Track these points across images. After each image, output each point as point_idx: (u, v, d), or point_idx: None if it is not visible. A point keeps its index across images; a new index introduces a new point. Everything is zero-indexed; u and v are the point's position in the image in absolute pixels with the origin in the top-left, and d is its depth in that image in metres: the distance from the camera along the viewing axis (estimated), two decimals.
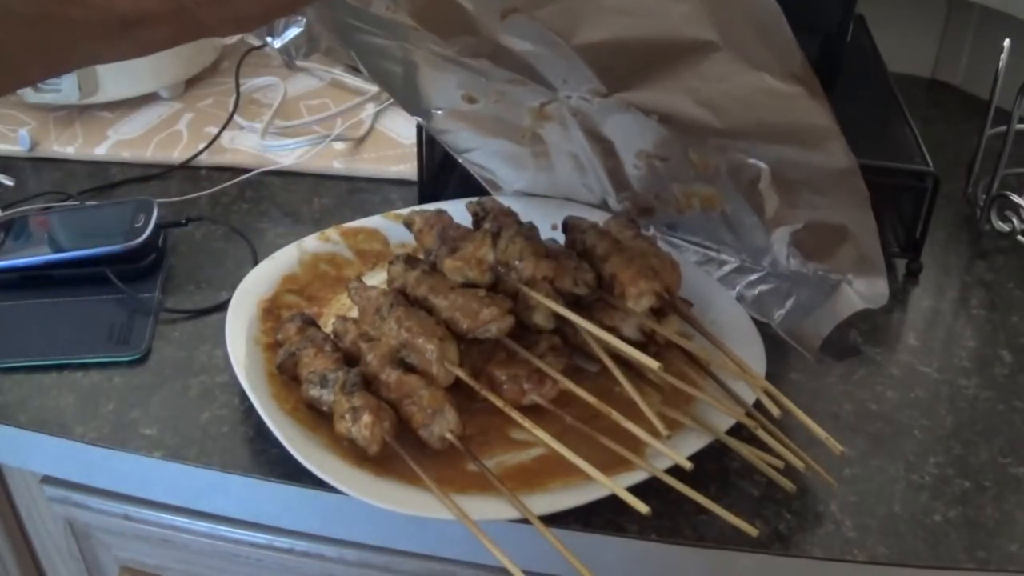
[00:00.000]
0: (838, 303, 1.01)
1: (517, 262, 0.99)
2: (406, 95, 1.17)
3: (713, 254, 1.14)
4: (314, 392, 0.94)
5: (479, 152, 1.23)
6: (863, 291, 1.00)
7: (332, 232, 1.20)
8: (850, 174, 0.93)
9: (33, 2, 0.59)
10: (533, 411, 0.93)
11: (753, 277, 1.09)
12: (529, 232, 1.04)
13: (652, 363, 0.88)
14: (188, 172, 1.43)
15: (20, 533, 1.27)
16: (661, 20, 0.86)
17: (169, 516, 1.08)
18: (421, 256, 1.09)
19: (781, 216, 1.03)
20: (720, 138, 0.99)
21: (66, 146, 1.46)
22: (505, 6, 0.90)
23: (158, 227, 1.22)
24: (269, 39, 1.16)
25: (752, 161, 1.00)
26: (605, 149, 1.11)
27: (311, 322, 1.04)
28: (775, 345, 1.03)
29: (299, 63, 1.33)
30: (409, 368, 0.95)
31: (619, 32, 0.90)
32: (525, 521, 0.84)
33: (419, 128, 1.25)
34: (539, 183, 1.23)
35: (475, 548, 0.83)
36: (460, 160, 1.26)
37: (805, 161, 0.95)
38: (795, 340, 1.02)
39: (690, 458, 0.85)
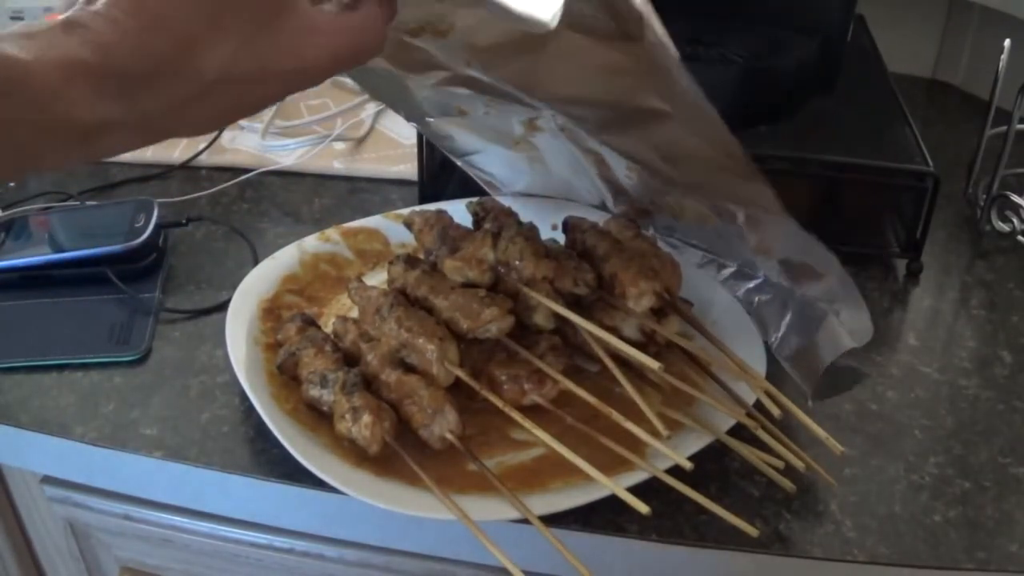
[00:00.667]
0: (828, 339, 1.00)
1: (517, 262, 0.99)
2: (399, 106, 1.17)
3: (713, 256, 1.14)
4: (314, 392, 0.94)
5: (476, 156, 1.23)
6: (849, 323, 1.00)
7: (332, 232, 1.20)
8: (812, 242, 0.95)
9: None
10: (533, 411, 0.93)
11: (751, 284, 1.09)
12: (529, 232, 1.04)
13: (652, 363, 0.88)
14: (188, 172, 1.43)
15: (20, 533, 1.27)
16: (610, 89, 0.88)
17: (169, 516, 1.08)
18: (421, 256, 1.09)
19: (763, 248, 1.03)
20: (688, 189, 1.01)
21: None
22: (468, 59, 0.91)
23: (158, 227, 1.22)
24: None
25: (728, 204, 1.01)
26: (597, 159, 1.12)
27: (311, 322, 1.04)
28: None
29: None
30: (409, 368, 0.95)
31: (576, 92, 0.93)
32: (525, 521, 0.84)
33: None
34: (537, 185, 1.23)
35: (475, 548, 0.83)
36: (459, 163, 1.26)
37: (771, 220, 0.96)
38: (793, 373, 1.01)
39: (690, 458, 0.85)
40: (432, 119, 1.16)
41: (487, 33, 0.79)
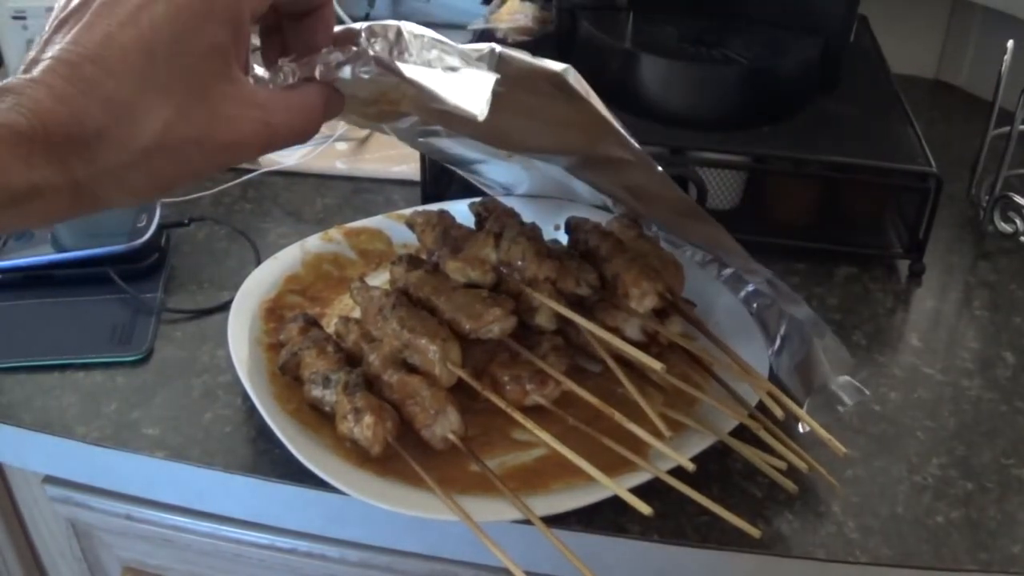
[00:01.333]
0: (815, 365, 1.00)
1: (519, 262, 0.99)
2: (387, 131, 1.18)
3: (714, 255, 1.14)
4: (316, 393, 0.94)
5: (475, 166, 1.23)
6: (833, 349, 0.99)
7: (335, 232, 1.20)
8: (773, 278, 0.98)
9: None
10: (535, 412, 0.92)
11: (751, 288, 1.09)
12: (531, 233, 1.04)
13: (655, 364, 0.88)
14: None
15: (22, 533, 1.27)
16: (569, 140, 0.89)
17: (171, 516, 1.08)
18: (424, 256, 1.09)
19: (748, 270, 1.04)
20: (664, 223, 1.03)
21: None
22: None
23: (161, 227, 1.22)
24: None
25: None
26: None
27: (313, 322, 1.04)
28: None
29: None
30: (411, 369, 0.95)
31: (537, 144, 0.98)
32: (527, 522, 0.84)
33: None
34: (537, 188, 1.23)
35: (477, 549, 0.83)
36: (459, 172, 1.26)
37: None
38: (789, 386, 1.01)
39: (692, 459, 0.84)
40: (422, 139, 1.16)
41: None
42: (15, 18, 1.58)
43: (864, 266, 1.25)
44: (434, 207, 1.15)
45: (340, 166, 1.43)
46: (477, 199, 1.17)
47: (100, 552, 1.19)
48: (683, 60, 1.28)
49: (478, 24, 1.54)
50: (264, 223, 1.31)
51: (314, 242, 1.18)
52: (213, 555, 1.10)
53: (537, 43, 1.48)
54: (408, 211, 1.17)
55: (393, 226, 1.22)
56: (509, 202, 1.15)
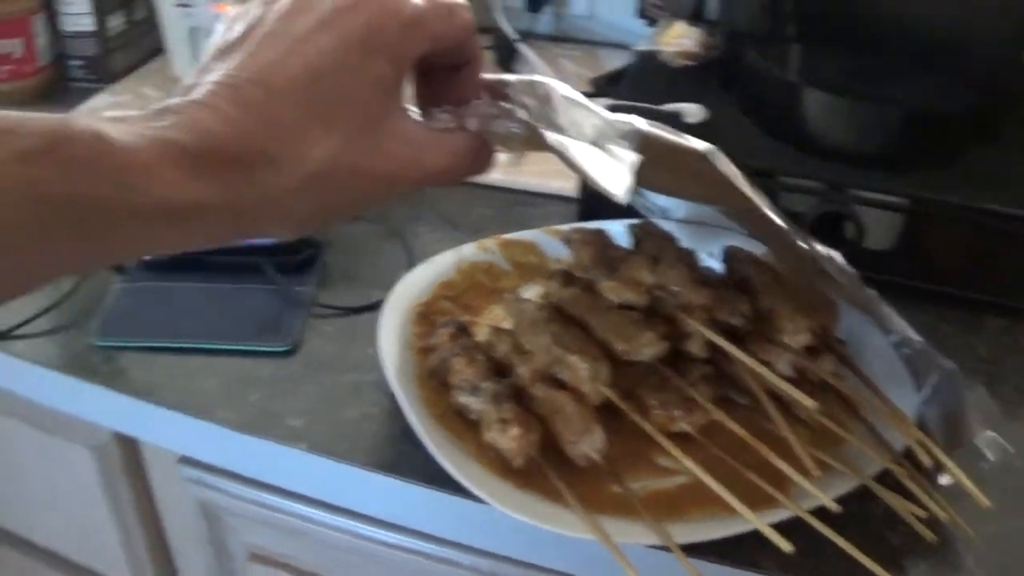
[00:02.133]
0: (963, 420, 0.97)
1: (675, 288, 0.98)
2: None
3: None
4: (464, 399, 0.95)
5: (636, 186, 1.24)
6: (980, 400, 0.97)
7: (490, 242, 1.20)
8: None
9: (66, 182, 0.56)
10: (679, 438, 0.92)
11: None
12: (689, 259, 1.03)
13: (809, 402, 0.87)
14: None
15: (151, 510, 1.29)
16: (704, 191, 0.97)
17: (304, 507, 1.09)
18: (578, 274, 1.09)
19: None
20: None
21: None
22: None
23: None
24: None
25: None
26: None
27: (464, 329, 1.04)
28: None
29: None
30: (559, 384, 0.95)
31: (687, 193, 1.08)
32: (663, 548, 0.83)
33: None
34: (694, 214, 1.23)
35: (609, 569, 0.83)
36: None
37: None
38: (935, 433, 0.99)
39: (834, 501, 0.84)
40: None
41: None
42: (179, 6, 1.60)
43: (1017, 319, 1.23)
44: (591, 225, 1.15)
45: (499, 177, 1.43)
46: (635, 220, 1.16)
47: (227, 536, 1.21)
48: (848, 96, 1.27)
49: (643, 46, 1.54)
50: (419, 227, 1.32)
51: (470, 250, 1.19)
52: (344, 550, 1.11)
53: (702, 68, 1.48)
54: (566, 227, 1.18)
55: (548, 241, 1.22)
56: (665, 226, 1.15)
